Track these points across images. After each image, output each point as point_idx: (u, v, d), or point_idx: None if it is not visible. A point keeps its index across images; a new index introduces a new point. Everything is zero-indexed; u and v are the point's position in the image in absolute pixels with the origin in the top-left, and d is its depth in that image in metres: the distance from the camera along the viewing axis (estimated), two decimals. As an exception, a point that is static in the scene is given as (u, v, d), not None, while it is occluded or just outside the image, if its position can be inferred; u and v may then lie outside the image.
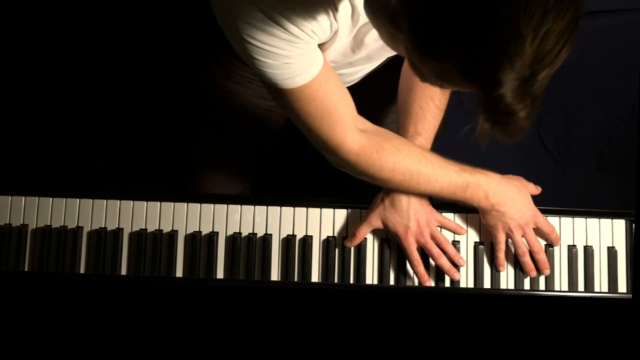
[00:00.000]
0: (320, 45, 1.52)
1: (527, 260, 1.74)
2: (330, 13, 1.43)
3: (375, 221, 1.75)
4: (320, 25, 1.43)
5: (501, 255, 1.74)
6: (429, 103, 1.75)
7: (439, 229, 1.77)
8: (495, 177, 1.74)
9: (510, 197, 1.73)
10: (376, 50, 1.65)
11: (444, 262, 1.74)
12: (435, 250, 1.74)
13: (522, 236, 1.74)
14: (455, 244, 1.76)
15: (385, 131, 1.69)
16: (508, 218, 1.72)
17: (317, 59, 1.52)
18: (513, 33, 1.05)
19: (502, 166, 2.66)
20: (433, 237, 1.75)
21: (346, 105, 1.62)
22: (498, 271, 1.75)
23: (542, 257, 1.74)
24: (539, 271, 1.75)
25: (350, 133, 1.62)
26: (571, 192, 2.67)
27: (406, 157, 1.67)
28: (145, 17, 2.59)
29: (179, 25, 2.43)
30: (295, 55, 1.46)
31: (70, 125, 2.63)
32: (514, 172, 2.64)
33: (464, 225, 1.78)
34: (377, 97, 1.96)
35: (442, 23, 1.09)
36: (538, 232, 1.76)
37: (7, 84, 2.64)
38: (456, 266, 1.75)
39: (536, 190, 1.79)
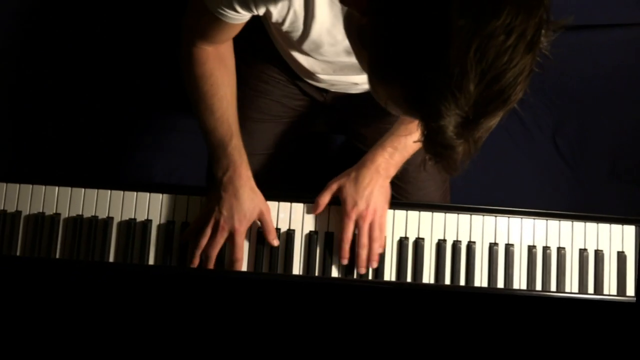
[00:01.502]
0: (295, 30, 1.61)
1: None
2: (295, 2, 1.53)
3: (334, 186, 1.79)
4: (277, 8, 1.54)
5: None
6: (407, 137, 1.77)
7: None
8: (245, 172, 1.77)
9: (235, 193, 1.76)
10: None
11: (362, 254, 1.77)
12: (364, 240, 1.77)
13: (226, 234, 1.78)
14: (471, 244, 1.78)
15: (227, 62, 1.79)
16: (222, 207, 1.76)
17: (241, 20, 1.62)
18: (459, 71, 1.07)
19: (518, 171, 2.70)
20: (371, 227, 1.78)
21: (223, 38, 1.73)
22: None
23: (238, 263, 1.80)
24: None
25: (207, 45, 1.73)
26: (584, 197, 2.66)
27: (211, 86, 1.75)
28: (180, 16, 2.62)
29: None
30: (237, 10, 1.56)
31: (104, 120, 2.66)
32: (530, 177, 2.66)
33: (478, 226, 1.80)
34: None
35: (397, 49, 1.12)
36: None
37: (37, 76, 2.67)
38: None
39: (270, 234, 1.79)
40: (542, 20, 1.10)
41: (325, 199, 1.79)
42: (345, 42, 1.61)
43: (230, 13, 1.58)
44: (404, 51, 1.11)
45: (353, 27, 1.29)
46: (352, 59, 1.68)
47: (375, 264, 1.78)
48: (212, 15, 1.61)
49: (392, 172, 1.79)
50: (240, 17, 1.60)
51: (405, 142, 1.77)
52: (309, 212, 1.80)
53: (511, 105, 1.13)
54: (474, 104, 1.09)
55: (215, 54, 1.75)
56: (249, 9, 1.56)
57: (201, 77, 1.75)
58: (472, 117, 1.11)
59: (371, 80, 1.22)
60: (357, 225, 1.78)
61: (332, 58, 1.71)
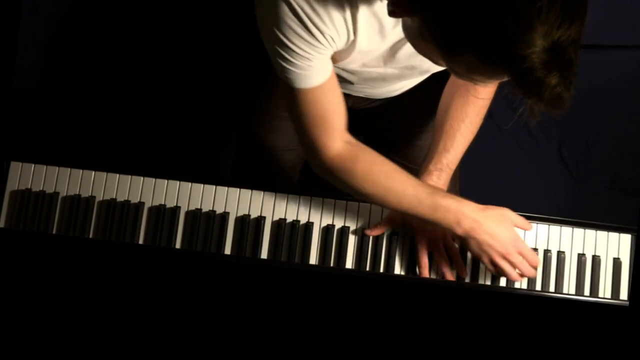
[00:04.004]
0: (339, 53, 1.59)
1: (513, 278, 1.73)
2: (350, 23, 1.50)
3: (397, 218, 1.79)
4: (338, 32, 1.50)
5: (504, 276, 1.74)
6: (460, 124, 1.77)
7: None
8: (470, 205, 1.69)
9: (486, 225, 1.68)
10: (407, 69, 1.70)
11: (448, 272, 1.77)
12: (443, 259, 1.77)
13: (510, 263, 1.71)
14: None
15: (366, 148, 1.70)
16: (486, 246, 1.69)
17: (327, 68, 1.58)
18: (514, 15, 1.10)
19: (524, 178, 2.72)
20: (446, 246, 1.77)
21: (340, 117, 1.65)
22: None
23: (533, 275, 1.74)
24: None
25: (334, 141, 1.65)
26: (585, 206, 2.66)
27: (379, 171, 1.68)
28: (211, 19, 2.64)
29: (243, 27, 2.49)
30: (312, 59, 1.52)
31: (140, 113, 2.69)
32: (535, 184, 2.68)
33: None
34: (414, 112, 2.01)
35: (455, 23, 1.16)
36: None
37: (83, 67, 2.71)
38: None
39: (526, 225, 1.76)
40: None
41: (384, 226, 1.79)
42: (374, 50, 1.62)
43: (313, 64, 1.54)
44: (460, 20, 1.15)
45: (412, 32, 1.33)
46: (385, 68, 1.70)
47: (466, 275, 1.78)
48: (308, 91, 1.58)
49: (444, 190, 1.79)
50: (323, 64, 1.56)
51: (447, 160, 1.78)
52: (329, 208, 1.82)
53: (581, 20, 1.14)
54: (545, 34, 1.11)
55: (350, 140, 1.69)
56: (330, 40, 1.51)
57: (369, 173, 1.68)
58: (551, 47, 1.12)
59: (448, 65, 1.26)
60: (432, 249, 1.77)
61: (358, 68, 1.71)
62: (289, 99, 1.62)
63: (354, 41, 1.54)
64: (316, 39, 1.49)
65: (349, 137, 1.69)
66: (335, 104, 1.64)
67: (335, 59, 1.62)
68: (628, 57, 2.65)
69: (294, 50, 1.50)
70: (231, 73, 2.59)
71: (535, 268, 1.74)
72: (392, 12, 1.32)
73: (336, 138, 1.66)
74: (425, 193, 1.67)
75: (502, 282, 1.79)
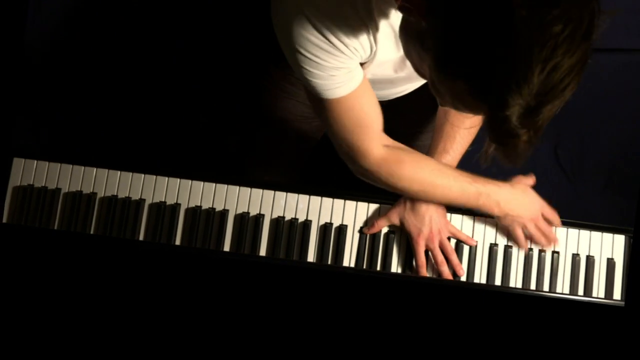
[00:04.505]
0: (361, 64, 1.58)
1: (542, 242, 1.79)
2: (371, 36, 1.48)
3: (394, 218, 1.80)
4: (361, 45, 1.49)
5: (523, 245, 1.80)
6: (460, 127, 1.79)
7: (452, 239, 1.82)
8: (504, 186, 1.76)
9: (519, 201, 1.77)
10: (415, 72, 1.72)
11: (445, 270, 1.78)
12: (439, 258, 1.78)
13: (536, 226, 1.79)
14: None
15: (405, 147, 1.72)
16: (519, 218, 1.77)
17: (357, 75, 1.56)
18: (523, 61, 1.07)
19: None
20: (441, 245, 1.79)
21: (376, 120, 1.65)
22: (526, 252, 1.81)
23: (552, 236, 1.80)
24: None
25: (375, 145, 1.66)
26: (580, 207, 2.66)
27: (423, 169, 1.70)
28: (215, 18, 2.64)
29: (245, 29, 2.49)
30: (338, 68, 1.51)
31: (145, 110, 2.70)
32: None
33: (480, 228, 1.82)
34: (415, 113, 2.00)
35: (461, 46, 1.12)
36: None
37: (89, 65, 2.71)
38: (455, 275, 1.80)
39: (530, 179, 1.83)
40: (594, 10, 1.10)
41: (382, 225, 1.81)
42: (390, 60, 1.61)
43: (341, 73, 1.52)
44: (467, 46, 1.11)
45: (411, 34, 1.30)
46: (395, 75, 1.69)
47: (463, 273, 1.80)
48: (340, 100, 1.57)
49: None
50: (352, 73, 1.55)
51: (446, 161, 1.79)
52: (327, 206, 1.83)
53: (569, 93, 1.12)
54: (536, 94, 1.09)
55: (388, 143, 1.70)
56: (354, 50, 1.49)
57: (415, 172, 1.71)
58: (534, 106, 1.10)
59: (433, 81, 1.22)
60: (428, 249, 1.79)
61: (375, 73, 1.69)
62: (322, 109, 1.62)
63: (375, 52, 1.54)
64: (340, 50, 1.48)
65: (386, 139, 1.70)
66: (370, 107, 1.63)
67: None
68: (624, 60, 2.65)
69: (319, 64, 1.49)
70: (232, 71, 2.60)
71: (554, 225, 1.83)
72: (402, 8, 1.28)
73: (376, 142, 1.67)
74: (468, 183, 1.73)
75: (498, 281, 1.80)
